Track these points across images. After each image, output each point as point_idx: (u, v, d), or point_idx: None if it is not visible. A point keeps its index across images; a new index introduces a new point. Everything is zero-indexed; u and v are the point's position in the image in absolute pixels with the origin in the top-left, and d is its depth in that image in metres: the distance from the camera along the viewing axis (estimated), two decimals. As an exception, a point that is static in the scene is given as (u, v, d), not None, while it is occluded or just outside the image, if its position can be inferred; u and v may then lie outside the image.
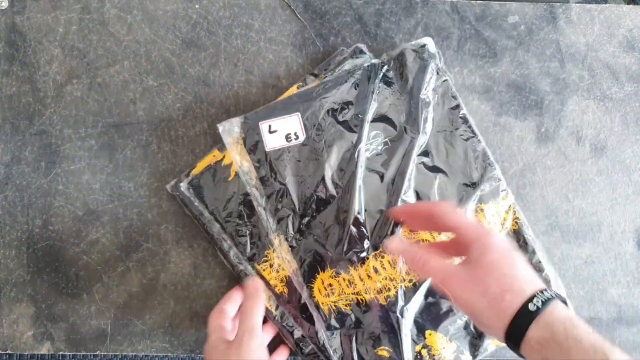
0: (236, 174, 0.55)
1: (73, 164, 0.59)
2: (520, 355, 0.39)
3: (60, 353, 0.58)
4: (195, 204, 0.56)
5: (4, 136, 0.59)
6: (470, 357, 0.54)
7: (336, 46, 0.60)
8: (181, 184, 0.56)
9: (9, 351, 0.58)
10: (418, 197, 0.54)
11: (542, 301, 0.38)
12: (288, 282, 0.54)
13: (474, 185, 0.55)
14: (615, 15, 0.62)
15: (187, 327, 0.58)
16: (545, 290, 0.39)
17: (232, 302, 0.52)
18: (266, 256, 0.55)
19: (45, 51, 0.59)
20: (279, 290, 0.54)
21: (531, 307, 0.38)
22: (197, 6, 0.60)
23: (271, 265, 0.54)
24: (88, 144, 0.59)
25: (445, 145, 0.55)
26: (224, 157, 0.56)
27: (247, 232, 0.55)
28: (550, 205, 0.60)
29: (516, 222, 0.55)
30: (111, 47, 0.59)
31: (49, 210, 0.58)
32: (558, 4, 0.62)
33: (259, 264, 0.55)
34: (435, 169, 0.55)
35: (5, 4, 0.59)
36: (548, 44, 0.62)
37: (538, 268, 0.54)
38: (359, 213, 0.52)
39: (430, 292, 0.53)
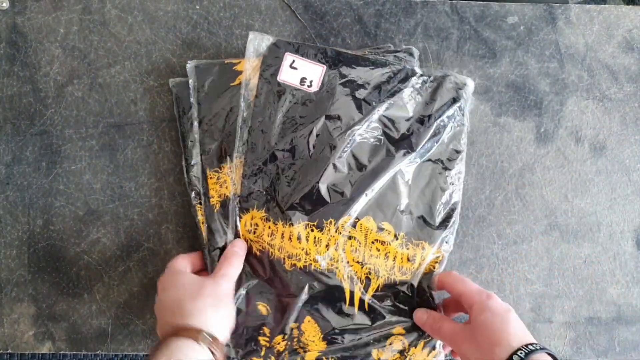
0: (240, 83, 0.55)
1: (74, 164, 0.59)
2: None
3: (61, 352, 0.58)
4: (190, 89, 0.56)
5: (5, 136, 0.59)
6: None
7: (336, 47, 0.60)
8: (189, 62, 0.57)
9: (10, 351, 0.58)
10: (378, 205, 0.54)
11: (525, 352, 0.43)
12: (224, 200, 0.55)
13: (430, 225, 0.55)
14: (614, 15, 0.62)
15: (187, 326, 0.58)
16: (532, 344, 0.44)
17: (195, 259, 0.54)
18: (220, 169, 0.55)
19: (46, 51, 0.59)
20: (213, 202, 0.55)
21: (515, 358, 0.43)
22: (197, 7, 0.60)
23: (218, 178, 0.55)
24: (89, 144, 0.59)
25: (429, 177, 0.55)
26: (239, 62, 0.56)
27: (218, 140, 0.55)
28: (550, 205, 0.61)
29: (431, 268, 0.55)
30: (112, 48, 0.60)
31: (50, 210, 0.58)
32: (557, 4, 0.62)
33: (210, 170, 0.55)
34: (406, 189, 0.55)
35: (6, 5, 0.59)
36: (547, 44, 0.62)
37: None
38: (322, 183, 0.53)
39: (339, 307, 0.54)
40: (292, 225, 0.53)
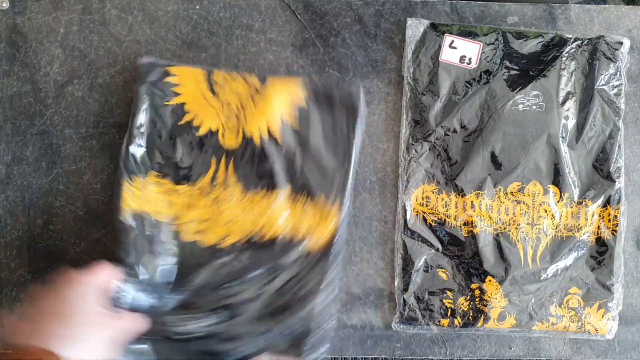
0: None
1: (74, 164, 0.59)
2: None
3: (61, 352, 0.58)
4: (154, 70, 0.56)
5: (5, 136, 0.59)
6: None
7: (336, 47, 0.60)
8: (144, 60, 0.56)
9: (10, 351, 0.58)
10: (542, 169, 0.58)
11: None
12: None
13: (593, 184, 0.60)
14: (614, 15, 0.62)
15: (187, 326, 0.58)
16: None
17: None
18: (132, 181, 0.54)
19: (46, 51, 0.59)
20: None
21: None
22: (197, 7, 0.60)
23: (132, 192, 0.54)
24: (89, 144, 0.59)
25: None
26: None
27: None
28: (550, 205, 0.61)
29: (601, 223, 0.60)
30: (112, 48, 0.60)
31: (50, 210, 0.58)
32: (557, 4, 0.62)
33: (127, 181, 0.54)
34: (569, 151, 0.59)
35: (6, 5, 0.59)
36: (547, 44, 0.62)
37: None
38: (490, 152, 0.58)
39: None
40: (465, 195, 0.58)
